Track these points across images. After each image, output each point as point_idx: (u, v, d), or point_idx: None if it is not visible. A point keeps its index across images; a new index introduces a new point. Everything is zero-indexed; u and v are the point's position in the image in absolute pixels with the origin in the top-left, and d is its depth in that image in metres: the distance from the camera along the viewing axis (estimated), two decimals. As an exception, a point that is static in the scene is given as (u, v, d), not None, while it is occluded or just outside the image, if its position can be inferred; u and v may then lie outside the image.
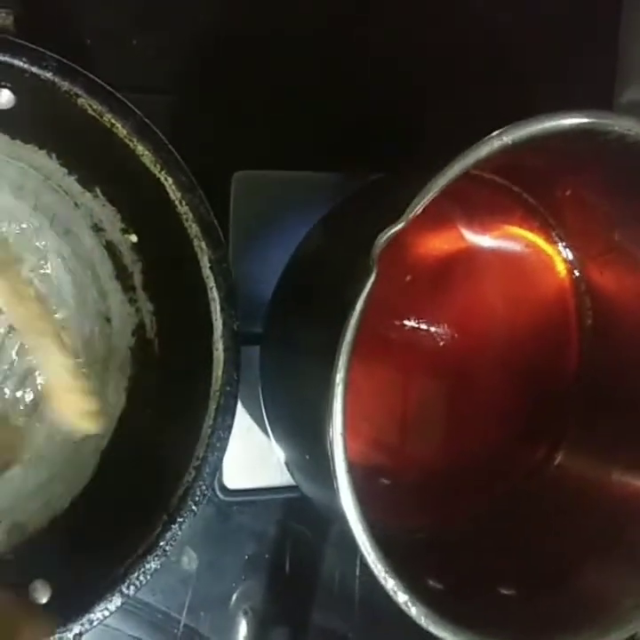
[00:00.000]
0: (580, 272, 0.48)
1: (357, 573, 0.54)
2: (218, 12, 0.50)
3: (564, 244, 0.48)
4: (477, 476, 0.48)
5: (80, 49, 0.47)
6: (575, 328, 0.48)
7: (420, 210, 0.34)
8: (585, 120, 0.36)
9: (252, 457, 0.51)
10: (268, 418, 0.45)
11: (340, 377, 0.34)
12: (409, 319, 0.47)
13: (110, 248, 0.45)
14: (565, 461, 0.48)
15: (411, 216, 0.34)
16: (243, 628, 0.53)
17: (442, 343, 0.47)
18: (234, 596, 0.53)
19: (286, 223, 0.49)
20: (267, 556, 0.53)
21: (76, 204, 0.44)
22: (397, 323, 0.47)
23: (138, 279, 0.45)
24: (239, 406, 0.41)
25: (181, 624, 0.52)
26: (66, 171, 0.42)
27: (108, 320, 0.46)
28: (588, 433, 0.48)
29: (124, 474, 0.44)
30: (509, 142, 0.35)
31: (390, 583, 0.35)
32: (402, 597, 0.35)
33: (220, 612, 0.53)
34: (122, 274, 0.45)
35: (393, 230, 0.33)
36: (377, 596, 0.53)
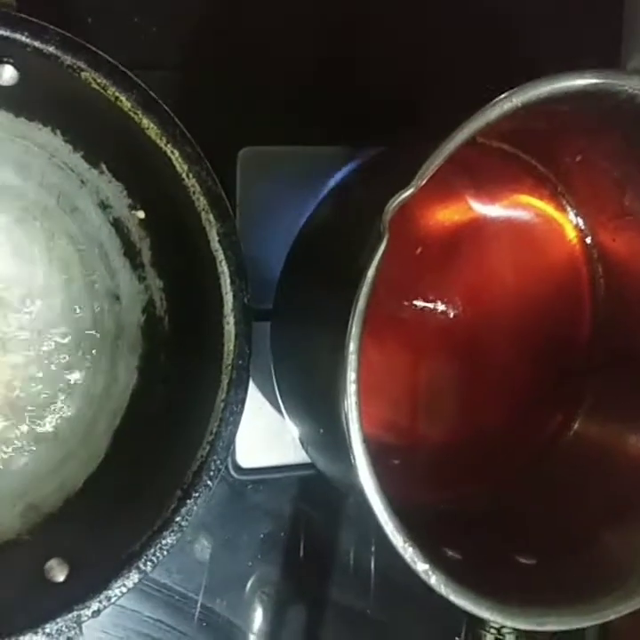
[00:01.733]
0: (591, 239, 0.47)
1: (372, 549, 0.54)
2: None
3: (574, 211, 0.47)
4: (494, 448, 0.48)
5: (81, 27, 0.47)
6: (588, 295, 0.48)
7: (430, 175, 0.34)
8: (595, 80, 0.35)
9: (265, 435, 0.51)
10: (280, 394, 0.45)
11: (353, 346, 0.34)
12: (419, 294, 0.47)
13: (118, 225, 0.45)
14: (582, 429, 0.48)
15: (421, 181, 0.33)
16: (260, 607, 0.53)
17: (453, 316, 0.47)
18: (250, 576, 0.53)
19: (293, 199, 0.48)
20: (282, 534, 0.53)
21: (82, 181, 0.44)
22: (408, 298, 0.47)
23: (146, 256, 0.44)
24: (251, 384, 0.41)
25: (198, 604, 0.52)
26: (71, 147, 0.42)
27: (118, 298, 0.46)
28: (603, 400, 0.48)
29: (138, 451, 0.44)
30: (519, 104, 0.34)
31: (409, 552, 0.35)
32: (421, 566, 0.35)
33: (236, 592, 0.53)
34: (130, 251, 0.45)
35: (404, 195, 0.33)
36: (393, 572, 0.53)
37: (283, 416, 0.46)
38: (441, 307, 0.47)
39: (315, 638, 0.54)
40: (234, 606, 0.53)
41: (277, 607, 0.53)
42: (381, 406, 0.47)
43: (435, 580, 0.35)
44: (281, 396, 0.45)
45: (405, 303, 0.47)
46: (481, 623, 0.40)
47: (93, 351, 0.46)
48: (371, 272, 0.33)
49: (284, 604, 0.54)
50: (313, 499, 0.53)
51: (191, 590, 0.52)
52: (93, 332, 0.46)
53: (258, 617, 0.53)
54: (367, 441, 0.34)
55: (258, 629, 0.53)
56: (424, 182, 0.33)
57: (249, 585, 0.53)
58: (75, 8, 0.47)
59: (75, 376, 0.46)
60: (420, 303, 0.47)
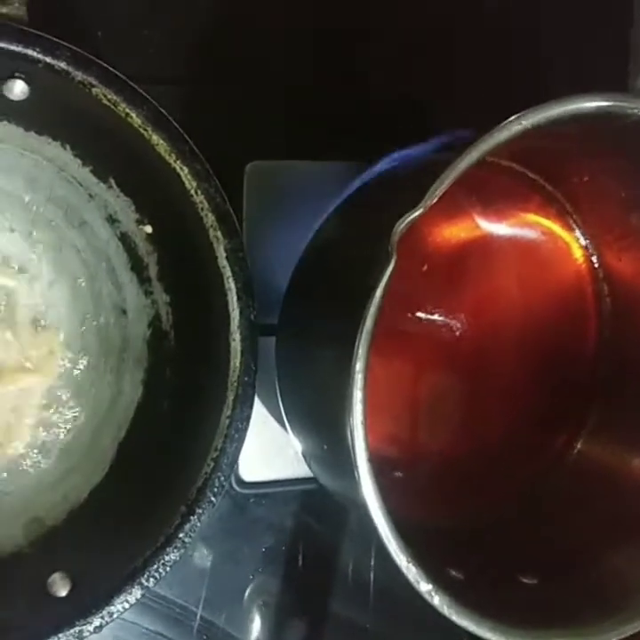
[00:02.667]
0: (597, 258, 0.47)
1: (372, 563, 0.54)
2: (229, 2, 0.50)
3: (581, 230, 0.47)
4: (497, 466, 0.48)
5: (91, 41, 0.47)
6: (593, 314, 0.48)
7: (439, 196, 0.34)
8: (604, 103, 0.35)
9: (268, 449, 0.51)
10: (284, 409, 0.45)
11: (360, 366, 0.34)
12: (425, 311, 0.47)
13: (125, 239, 0.45)
14: (586, 448, 0.48)
15: (430, 202, 0.33)
16: (260, 620, 0.53)
17: (459, 333, 0.47)
18: (250, 589, 0.53)
19: (300, 214, 0.48)
20: (283, 548, 0.53)
21: (90, 196, 0.44)
22: (413, 315, 0.47)
23: (153, 270, 0.44)
24: (255, 399, 0.41)
25: (198, 617, 0.52)
26: (80, 162, 0.42)
27: (124, 312, 0.46)
28: (608, 419, 0.48)
29: (142, 465, 0.44)
30: (529, 126, 0.34)
31: (412, 572, 0.35)
32: (425, 587, 0.35)
33: (237, 605, 0.53)
34: (137, 265, 0.45)
35: (412, 216, 0.33)
36: (393, 586, 0.53)
37: (286, 430, 0.46)
38: (447, 323, 0.47)
39: (316, 652, 0.54)
40: (234, 619, 0.53)
41: (277, 620, 0.53)
42: (386, 421, 0.47)
43: (438, 600, 0.35)
44: (285, 411, 0.45)
45: (411, 319, 0.47)
46: (483, 642, 0.41)
47: (99, 364, 0.46)
48: (378, 293, 0.33)
49: (285, 617, 0.53)
50: (315, 513, 0.53)
51: (191, 603, 0.52)
52: (99, 345, 0.46)
53: (257, 630, 0.53)
54: (371, 459, 0.34)
55: (259, 642, 0.53)
56: (433, 203, 0.34)
57: (249, 598, 0.53)
58: (84, 21, 0.47)
59: (80, 388, 0.47)
60: (425, 319, 0.47)
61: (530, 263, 0.48)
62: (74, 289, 0.46)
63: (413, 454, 0.48)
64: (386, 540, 0.35)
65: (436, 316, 0.47)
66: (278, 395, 0.45)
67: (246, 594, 0.53)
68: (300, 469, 0.50)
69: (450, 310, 0.47)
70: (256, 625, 0.53)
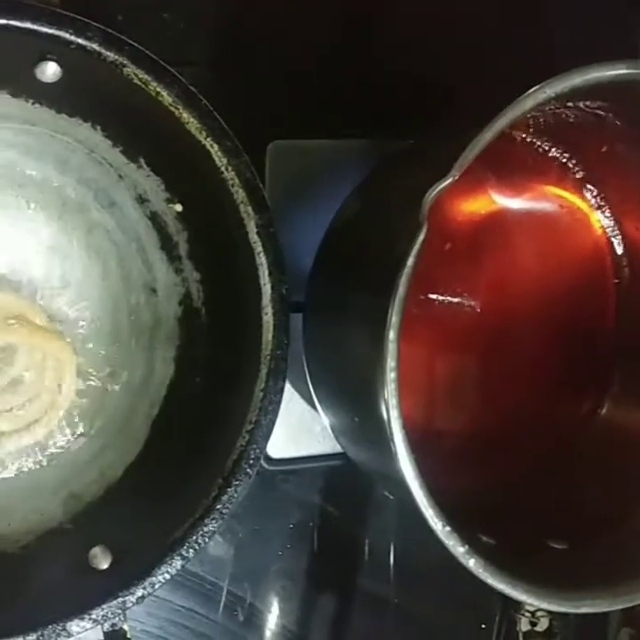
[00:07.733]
0: (616, 229, 0.48)
1: (392, 540, 0.55)
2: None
3: (599, 201, 0.48)
4: (524, 435, 0.48)
5: (111, 24, 0.47)
6: (613, 284, 0.48)
7: (468, 164, 0.34)
8: (625, 71, 0.36)
9: (294, 426, 0.51)
10: (313, 385, 0.46)
11: (393, 334, 0.34)
12: (447, 290, 0.47)
13: (155, 218, 0.45)
14: (610, 413, 0.49)
15: (460, 170, 0.34)
16: (289, 596, 0.54)
17: (481, 308, 0.48)
18: (280, 565, 0.53)
19: (322, 192, 0.49)
20: (311, 524, 0.54)
21: (120, 176, 0.44)
22: (436, 295, 0.47)
23: (183, 248, 0.45)
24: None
25: (225, 592, 0.52)
26: (110, 143, 0.43)
27: (154, 291, 0.46)
28: (631, 383, 0.48)
29: (177, 440, 0.44)
30: (553, 95, 0.35)
31: (449, 536, 0.36)
32: (461, 550, 0.36)
33: (266, 581, 0.53)
34: (167, 244, 0.45)
35: (443, 184, 0.34)
36: (422, 560, 0.54)
37: (312, 407, 0.47)
38: (469, 300, 0.47)
39: (343, 626, 0.55)
40: (263, 595, 0.53)
41: (306, 595, 0.54)
42: (411, 400, 0.47)
43: (473, 562, 0.36)
44: (313, 387, 0.46)
45: (433, 299, 0.47)
46: (516, 606, 0.41)
47: (131, 343, 0.47)
48: (411, 260, 0.34)
49: (313, 592, 0.54)
50: (342, 488, 0.54)
51: (221, 579, 0.52)
52: (130, 324, 0.47)
53: (287, 605, 0.54)
54: (405, 428, 0.35)
55: (287, 617, 0.54)
56: (463, 171, 0.34)
57: (279, 574, 0.53)
58: (104, 5, 0.48)
59: (112, 368, 0.47)
60: (448, 297, 0.47)
61: (548, 236, 0.49)
62: (104, 270, 0.47)
63: (440, 430, 0.48)
64: (422, 506, 0.35)
65: (458, 294, 0.47)
66: (306, 371, 0.46)
67: (274, 570, 0.53)
68: (326, 445, 0.51)
69: (471, 288, 0.47)
70: (286, 600, 0.54)
